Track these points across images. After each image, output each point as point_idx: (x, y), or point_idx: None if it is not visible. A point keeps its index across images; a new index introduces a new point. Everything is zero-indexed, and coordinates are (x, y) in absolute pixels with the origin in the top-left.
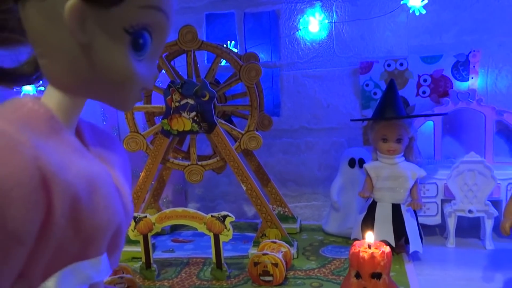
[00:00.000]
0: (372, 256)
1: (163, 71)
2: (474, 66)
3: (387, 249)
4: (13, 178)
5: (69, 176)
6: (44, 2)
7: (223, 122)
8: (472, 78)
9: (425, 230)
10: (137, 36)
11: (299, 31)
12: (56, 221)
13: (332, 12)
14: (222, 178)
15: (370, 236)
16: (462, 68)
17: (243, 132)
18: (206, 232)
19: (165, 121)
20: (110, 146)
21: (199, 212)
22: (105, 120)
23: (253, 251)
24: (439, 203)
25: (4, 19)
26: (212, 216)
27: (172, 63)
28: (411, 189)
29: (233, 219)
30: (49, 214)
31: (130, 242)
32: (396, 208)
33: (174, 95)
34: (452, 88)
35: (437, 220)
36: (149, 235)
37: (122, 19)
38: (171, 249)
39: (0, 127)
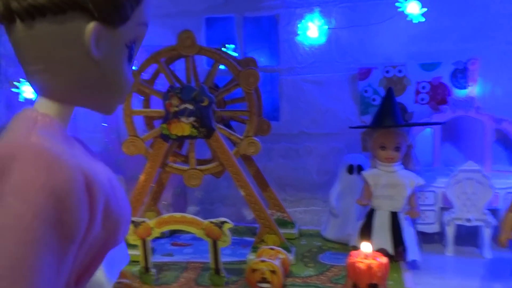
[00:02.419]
0: (369, 267)
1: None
2: (472, 74)
3: (384, 259)
4: (67, 187)
5: (101, 179)
6: (61, 26)
7: (222, 127)
8: (470, 85)
9: (424, 238)
10: (131, 48)
11: (298, 36)
12: (96, 218)
13: (331, 18)
14: (221, 181)
15: (367, 246)
16: (461, 75)
17: (241, 137)
18: (205, 238)
19: (164, 125)
20: (90, 150)
21: (198, 218)
22: (105, 121)
23: (251, 257)
24: (438, 211)
25: None
26: (210, 222)
27: (171, 66)
28: (409, 197)
29: (231, 225)
30: (92, 213)
31: (129, 245)
32: (394, 216)
33: (173, 100)
34: (450, 96)
35: (435, 228)
36: (148, 239)
37: (125, 36)
38: (170, 253)
39: (36, 142)
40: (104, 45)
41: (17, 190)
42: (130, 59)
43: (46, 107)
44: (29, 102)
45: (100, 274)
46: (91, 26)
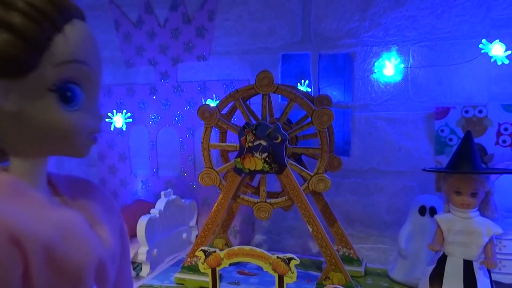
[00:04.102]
0: None
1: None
2: None
3: None
4: None
5: (39, 229)
6: None
7: (293, 163)
8: None
9: None
10: (63, 90)
11: (374, 73)
12: (35, 271)
13: (409, 57)
14: (289, 213)
15: None
16: None
17: (312, 174)
18: (271, 272)
19: (238, 159)
20: (87, 192)
21: (266, 252)
22: (182, 149)
23: None
24: None
25: None
26: (277, 257)
27: (248, 101)
28: (485, 246)
29: (298, 262)
30: (27, 266)
31: (200, 273)
32: (468, 265)
33: (248, 136)
34: None
35: None
36: (218, 269)
37: (43, 81)
38: (236, 281)
39: None
40: (16, 97)
41: None
42: (66, 101)
43: (12, 162)
44: (118, 131)
45: None
46: None
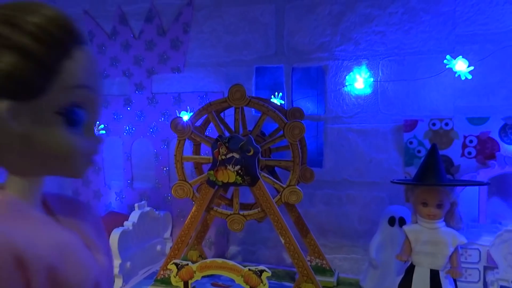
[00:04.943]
0: None
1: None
2: None
3: None
4: None
5: (41, 249)
6: None
7: (266, 175)
8: None
9: None
10: (69, 114)
11: (345, 87)
12: None
13: (378, 71)
14: (263, 223)
15: None
16: (511, 131)
17: (284, 186)
18: (243, 284)
19: (212, 172)
20: (78, 212)
21: (238, 265)
22: (156, 160)
23: None
24: (482, 270)
25: None
26: (249, 269)
27: (221, 114)
28: (450, 256)
29: (269, 274)
30: (30, 285)
31: (172, 286)
32: (434, 274)
33: (221, 148)
34: (499, 151)
35: (478, 287)
36: (190, 282)
37: (52, 104)
38: None
39: None
40: (26, 119)
41: None
42: (71, 124)
43: (10, 182)
44: None
45: None
46: (4, 106)
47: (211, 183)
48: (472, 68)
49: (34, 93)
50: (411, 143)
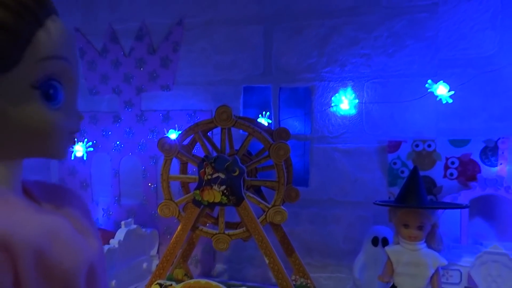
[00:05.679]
0: None
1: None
2: (503, 153)
3: None
4: None
5: (27, 232)
6: None
7: (251, 195)
8: (501, 164)
9: None
10: (46, 88)
11: (331, 107)
12: (26, 277)
13: (363, 92)
14: (249, 242)
15: None
16: (491, 153)
17: (269, 206)
18: None
19: (197, 192)
20: (65, 197)
21: (221, 286)
22: (144, 177)
23: None
24: None
25: None
26: None
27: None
28: (431, 277)
29: None
30: (18, 272)
31: None
32: None
33: (207, 168)
34: (480, 173)
35: None
36: None
37: (26, 77)
38: None
39: None
40: None
41: None
42: (49, 98)
43: None
44: (79, 159)
45: None
46: None
47: (197, 203)
48: (452, 92)
49: (7, 66)
50: (395, 163)
